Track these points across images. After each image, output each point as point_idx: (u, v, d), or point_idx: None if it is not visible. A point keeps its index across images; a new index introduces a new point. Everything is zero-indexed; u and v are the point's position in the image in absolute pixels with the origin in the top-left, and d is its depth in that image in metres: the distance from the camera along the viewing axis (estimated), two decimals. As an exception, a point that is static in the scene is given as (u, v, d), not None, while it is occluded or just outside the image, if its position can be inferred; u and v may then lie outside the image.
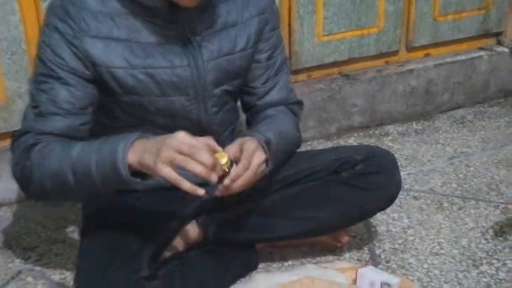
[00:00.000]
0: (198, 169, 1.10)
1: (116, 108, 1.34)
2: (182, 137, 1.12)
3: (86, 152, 1.19)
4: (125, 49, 1.26)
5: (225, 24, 1.34)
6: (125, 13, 1.25)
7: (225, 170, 1.18)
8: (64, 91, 1.25)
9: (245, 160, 1.22)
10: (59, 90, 1.25)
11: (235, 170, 1.20)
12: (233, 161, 1.21)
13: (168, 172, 1.11)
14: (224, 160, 1.18)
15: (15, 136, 1.29)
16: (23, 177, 1.26)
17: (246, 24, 1.37)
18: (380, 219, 1.69)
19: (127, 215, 1.36)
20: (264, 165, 1.26)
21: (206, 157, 1.11)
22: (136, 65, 1.26)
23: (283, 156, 1.40)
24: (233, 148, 1.24)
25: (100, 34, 1.24)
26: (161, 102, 1.31)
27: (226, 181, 1.20)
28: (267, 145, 1.29)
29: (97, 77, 1.27)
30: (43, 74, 1.27)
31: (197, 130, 1.35)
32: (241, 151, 1.23)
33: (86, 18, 1.23)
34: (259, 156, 1.24)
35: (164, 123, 1.35)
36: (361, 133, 2.23)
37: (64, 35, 1.24)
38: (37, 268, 1.54)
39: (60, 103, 1.25)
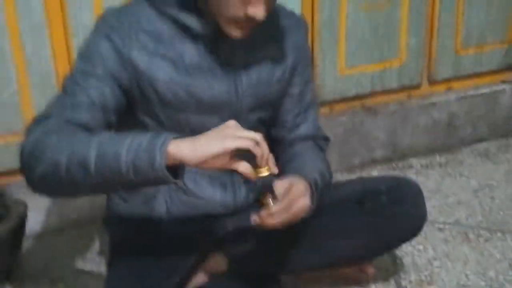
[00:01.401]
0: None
1: (143, 123, 1.34)
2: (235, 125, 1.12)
3: (118, 135, 1.10)
4: (169, 66, 1.29)
5: (264, 54, 1.37)
6: (172, 35, 1.29)
7: (267, 202, 1.18)
8: (99, 88, 1.24)
9: (289, 202, 1.20)
10: (95, 86, 1.24)
11: (276, 206, 1.19)
12: (277, 197, 1.19)
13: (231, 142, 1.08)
14: (265, 173, 1.15)
15: (36, 118, 1.20)
16: (34, 152, 1.11)
17: (284, 55, 1.41)
18: (405, 251, 1.69)
19: (152, 246, 1.37)
20: (304, 211, 1.24)
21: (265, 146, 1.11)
22: (178, 81, 1.29)
23: (322, 195, 1.38)
24: (282, 183, 1.22)
25: (148, 49, 1.27)
26: (195, 119, 1.33)
27: (263, 213, 1.19)
28: (315, 187, 1.29)
29: (136, 87, 1.28)
30: (83, 71, 1.25)
31: None
32: (289, 188, 1.22)
33: (137, 33, 1.26)
34: (304, 202, 1.23)
35: None
36: (384, 166, 2.24)
37: (113, 42, 1.25)
38: (65, 299, 1.57)
39: (91, 96, 1.22)
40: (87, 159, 1.06)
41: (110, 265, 1.43)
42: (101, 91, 1.24)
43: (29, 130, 1.17)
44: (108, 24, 1.27)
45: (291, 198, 1.20)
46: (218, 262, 1.45)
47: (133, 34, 1.27)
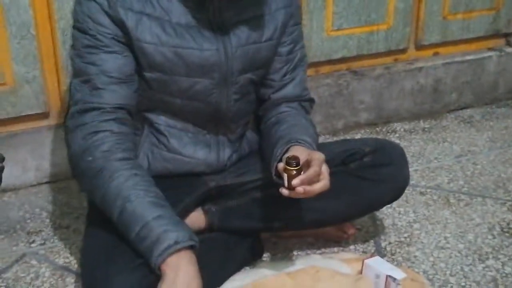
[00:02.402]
0: None
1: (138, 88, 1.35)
2: None
3: (140, 211, 1.21)
4: (156, 26, 1.28)
5: (254, 14, 1.36)
6: None
7: (292, 171, 1.20)
8: (112, 60, 1.28)
9: (317, 168, 1.22)
10: (107, 59, 1.27)
11: (306, 174, 1.20)
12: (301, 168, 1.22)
13: None
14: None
15: (70, 115, 1.29)
16: (79, 168, 1.28)
17: (273, 15, 1.40)
18: (386, 213, 1.70)
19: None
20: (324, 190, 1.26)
21: None
22: (166, 42, 1.29)
23: None
24: (301, 155, 1.24)
25: (134, 8, 1.27)
26: (184, 82, 1.33)
27: (295, 181, 1.20)
28: None
29: (130, 46, 1.29)
30: (87, 46, 1.28)
31: (213, 115, 1.38)
32: (308, 159, 1.23)
33: None
34: (326, 183, 1.25)
35: (180, 105, 1.37)
36: (367, 130, 2.24)
37: (101, 5, 1.26)
38: (41, 252, 1.56)
39: (112, 73, 1.28)
40: (112, 212, 1.24)
41: (88, 220, 1.42)
42: (116, 63, 1.28)
43: (70, 128, 1.29)
44: None
45: (318, 164, 1.23)
46: (197, 219, 1.45)
47: None
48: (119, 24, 1.27)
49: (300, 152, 1.27)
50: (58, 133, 1.82)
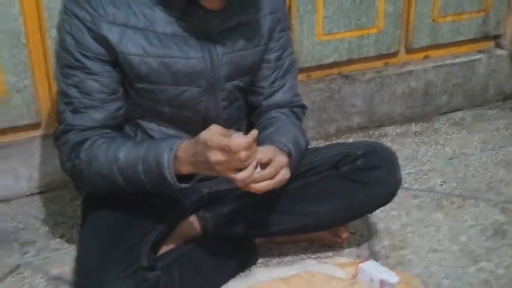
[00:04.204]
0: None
1: (129, 98, 1.36)
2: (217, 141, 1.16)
3: (132, 157, 1.26)
4: (141, 37, 1.29)
5: (239, 21, 1.37)
6: (143, 2, 1.29)
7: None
8: (93, 82, 1.30)
9: (273, 170, 1.23)
10: (89, 82, 1.30)
11: (261, 173, 1.21)
12: (259, 164, 1.23)
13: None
14: None
15: (57, 133, 1.35)
16: (74, 174, 1.33)
17: (259, 22, 1.40)
18: (379, 217, 1.71)
19: (125, 208, 1.37)
20: (284, 182, 1.27)
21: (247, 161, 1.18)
22: (151, 53, 1.29)
23: (296, 164, 1.41)
24: (266, 152, 1.24)
25: (117, 21, 1.27)
26: (172, 91, 1.34)
27: (247, 178, 1.20)
28: (288, 156, 1.31)
29: (115, 61, 1.30)
30: (68, 66, 1.30)
31: (204, 122, 1.38)
32: (271, 158, 1.24)
33: (104, 4, 1.27)
34: (285, 174, 1.25)
35: (169, 113, 1.38)
36: (360, 134, 2.25)
37: (83, 21, 1.27)
38: (36, 262, 1.55)
39: (93, 95, 1.30)
40: (118, 183, 1.28)
41: (82, 228, 1.43)
42: (97, 85, 1.30)
43: (57, 146, 1.36)
44: (72, 1, 1.27)
45: (275, 167, 1.23)
46: (191, 225, 1.46)
47: (99, 5, 1.26)
48: (102, 41, 1.28)
49: (265, 150, 1.26)
50: (50, 143, 1.79)
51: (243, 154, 1.16)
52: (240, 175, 1.18)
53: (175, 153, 1.21)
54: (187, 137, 1.33)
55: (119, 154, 1.27)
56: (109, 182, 1.29)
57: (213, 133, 1.16)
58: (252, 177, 1.20)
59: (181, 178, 1.23)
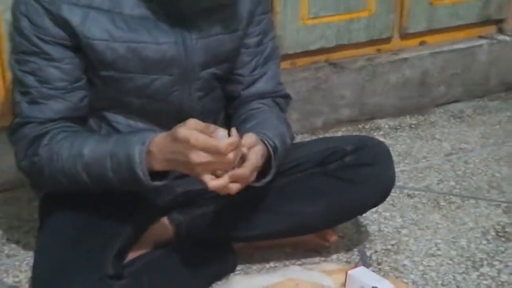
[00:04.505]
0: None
1: (93, 87, 1.35)
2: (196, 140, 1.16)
3: (99, 153, 1.25)
4: (106, 20, 1.28)
5: (216, 3, 1.37)
6: None
7: None
8: (52, 69, 1.29)
9: (247, 170, 1.22)
10: (47, 69, 1.29)
11: (236, 172, 1.21)
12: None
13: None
14: None
15: (12, 126, 1.33)
16: (32, 172, 1.33)
17: (238, 3, 1.40)
18: (371, 218, 1.72)
19: (89, 208, 1.36)
20: (244, 181, 1.25)
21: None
22: (117, 38, 1.29)
23: (281, 160, 1.40)
24: (249, 143, 1.25)
25: (79, 2, 1.27)
26: (141, 80, 1.34)
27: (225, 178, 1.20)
28: (274, 152, 1.31)
29: (77, 46, 1.29)
30: (25, 52, 1.29)
31: (177, 115, 1.37)
32: (248, 149, 1.24)
33: None
34: (245, 172, 1.23)
35: (139, 105, 1.37)
36: (349, 127, 2.26)
37: (40, 2, 1.26)
38: (-12, 270, 1.54)
39: (53, 84, 1.29)
40: (82, 181, 1.27)
41: (40, 233, 1.42)
42: (57, 72, 1.29)
43: (12, 141, 1.34)
44: None
45: (248, 166, 1.22)
46: (162, 229, 1.45)
47: None
48: (62, 24, 1.27)
49: (249, 138, 1.25)
50: (3, 138, 1.78)
51: (231, 155, 1.16)
52: (215, 184, 1.18)
53: (147, 147, 1.21)
54: (159, 131, 1.32)
55: (84, 150, 1.26)
56: (73, 181, 1.28)
57: (193, 129, 1.16)
58: (227, 184, 1.20)
59: (154, 175, 1.23)
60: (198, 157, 1.16)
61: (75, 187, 1.30)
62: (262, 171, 1.29)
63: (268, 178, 1.31)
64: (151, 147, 1.21)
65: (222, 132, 1.18)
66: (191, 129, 1.16)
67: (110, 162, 1.24)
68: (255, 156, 1.24)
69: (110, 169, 1.24)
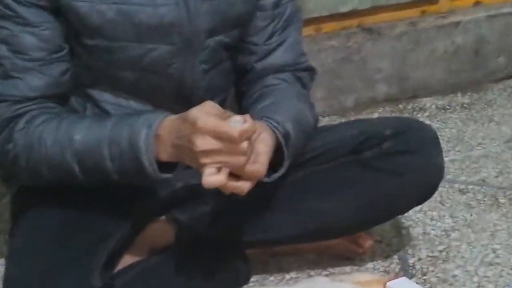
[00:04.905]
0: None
1: (77, 58, 1.36)
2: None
3: (94, 138, 1.25)
4: None
5: None
6: None
7: None
8: (28, 36, 1.29)
9: (260, 166, 1.20)
10: (21, 35, 1.29)
11: (250, 168, 1.19)
12: None
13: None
14: None
15: None
16: (5, 162, 1.33)
17: None
18: (414, 219, 1.72)
19: (74, 204, 1.36)
20: (256, 178, 1.23)
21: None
22: None
23: (300, 150, 1.40)
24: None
25: None
26: (134, 50, 1.34)
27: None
28: (285, 139, 1.30)
29: (56, 8, 1.30)
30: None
31: (177, 92, 1.39)
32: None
33: None
34: (258, 168, 1.21)
35: (131, 80, 1.37)
36: (387, 108, 2.28)
37: None
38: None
39: (29, 53, 1.30)
40: (71, 173, 1.27)
41: (12, 238, 1.42)
42: (34, 40, 1.29)
43: None
44: None
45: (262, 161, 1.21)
46: (160, 230, 1.45)
47: None
48: None
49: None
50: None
51: (245, 145, 1.15)
52: (211, 180, 1.15)
53: (155, 131, 1.21)
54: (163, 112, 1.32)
55: (75, 134, 1.26)
56: (59, 173, 1.29)
57: (208, 112, 1.15)
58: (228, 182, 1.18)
59: (162, 165, 1.23)
60: (204, 142, 1.14)
61: (60, 180, 1.31)
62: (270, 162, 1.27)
63: (281, 172, 1.30)
64: (160, 130, 1.21)
65: (237, 118, 1.17)
66: (204, 111, 1.16)
67: (108, 149, 1.24)
68: (266, 148, 1.23)
69: (108, 157, 1.25)
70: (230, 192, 1.20)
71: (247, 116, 1.18)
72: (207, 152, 1.15)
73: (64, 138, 1.26)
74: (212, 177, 1.15)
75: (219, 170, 1.16)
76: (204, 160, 1.15)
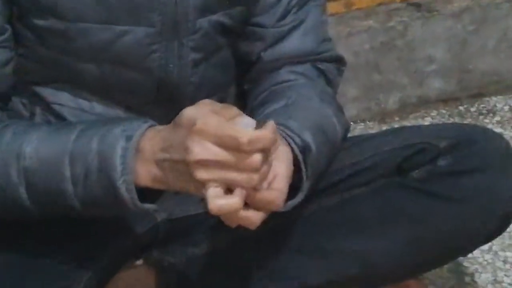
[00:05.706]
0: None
1: (22, 46, 1.38)
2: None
3: (51, 151, 1.25)
4: None
5: None
6: None
7: None
8: None
9: (278, 193, 1.20)
10: None
11: (262, 195, 1.18)
12: None
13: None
14: None
15: None
16: None
17: None
18: (480, 261, 1.74)
19: (28, 241, 1.38)
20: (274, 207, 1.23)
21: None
22: None
23: (323, 168, 1.41)
24: None
25: None
26: (100, 34, 1.34)
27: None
28: (304, 154, 1.30)
29: None
30: None
31: (159, 91, 1.41)
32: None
33: None
34: (275, 197, 1.20)
35: (96, 75, 1.38)
36: (443, 110, 2.30)
37: None
38: None
39: None
40: (18, 202, 1.27)
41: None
42: None
43: None
44: None
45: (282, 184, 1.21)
46: (138, 277, 1.48)
47: None
48: None
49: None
50: None
51: (257, 158, 1.11)
52: (221, 204, 1.12)
53: (136, 144, 1.20)
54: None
55: (25, 147, 1.25)
56: (1, 201, 1.29)
57: (210, 111, 1.13)
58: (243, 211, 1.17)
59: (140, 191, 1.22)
60: (203, 150, 1.11)
61: (4, 212, 1.31)
62: None
63: (299, 198, 1.30)
64: (143, 142, 1.20)
65: (248, 120, 1.14)
66: (203, 109, 1.14)
67: (70, 168, 1.23)
68: (286, 169, 1.22)
69: (69, 179, 1.24)
70: (235, 224, 1.18)
71: (271, 122, 1.13)
72: (206, 164, 1.11)
73: (9, 151, 1.26)
74: (222, 200, 1.12)
75: (230, 191, 1.12)
76: (202, 174, 1.12)
